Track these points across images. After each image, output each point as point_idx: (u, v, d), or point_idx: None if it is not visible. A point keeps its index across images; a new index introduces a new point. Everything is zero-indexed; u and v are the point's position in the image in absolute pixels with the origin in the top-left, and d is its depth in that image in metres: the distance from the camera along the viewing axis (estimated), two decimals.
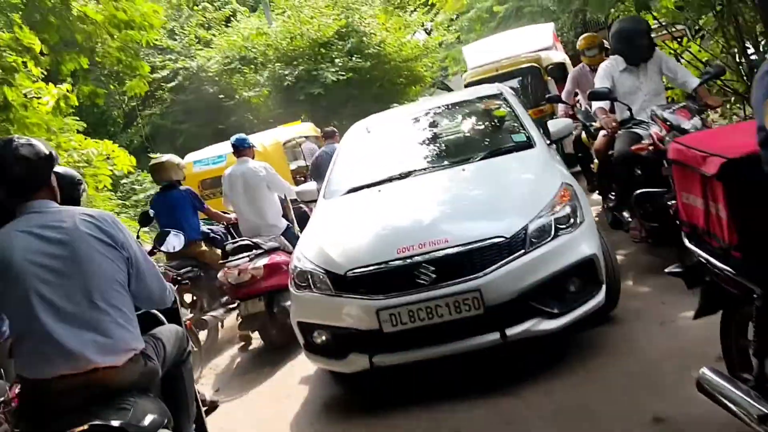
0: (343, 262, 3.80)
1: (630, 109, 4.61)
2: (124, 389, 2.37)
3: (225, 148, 8.16)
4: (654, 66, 4.86)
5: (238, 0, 18.12)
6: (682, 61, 7.78)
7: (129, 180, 13.77)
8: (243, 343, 5.71)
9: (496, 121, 5.13)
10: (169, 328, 2.96)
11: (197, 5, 16.44)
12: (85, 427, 2.19)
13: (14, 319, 2.45)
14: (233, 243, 5.49)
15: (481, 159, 4.52)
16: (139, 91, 7.46)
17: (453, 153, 4.87)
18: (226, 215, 6.42)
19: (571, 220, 3.76)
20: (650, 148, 4.34)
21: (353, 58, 14.87)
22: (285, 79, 14.57)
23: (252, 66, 15.68)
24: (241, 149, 6.23)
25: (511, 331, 3.54)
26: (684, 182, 2.18)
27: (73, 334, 2.31)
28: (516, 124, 4.86)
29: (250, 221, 6.02)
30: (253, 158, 6.33)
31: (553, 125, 4.78)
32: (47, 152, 2.48)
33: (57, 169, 3.04)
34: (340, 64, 14.53)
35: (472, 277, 3.51)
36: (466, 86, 9.47)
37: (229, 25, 16.80)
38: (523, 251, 3.58)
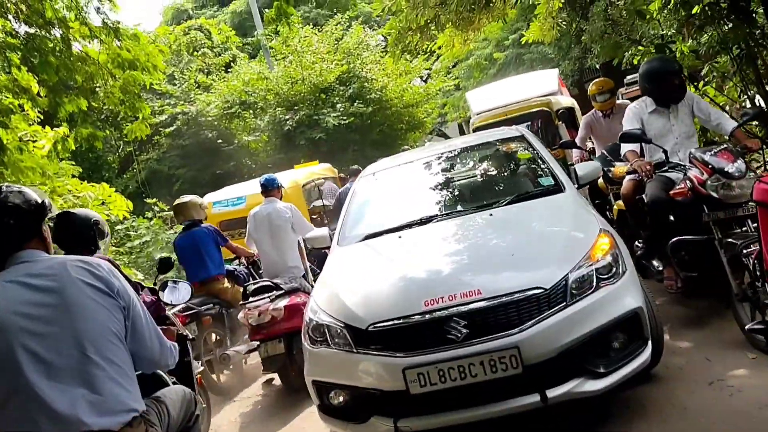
0: (365, 316, 3.47)
1: (665, 152, 4.35)
2: None
3: (244, 189, 8.51)
4: (685, 107, 4.64)
5: (238, 46, 18.11)
6: None
7: (124, 226, 13.45)
8: (267, 377, 5.84)
9: (520, 164, 4.87)
10: (176, 390, 2.72)
11: (197, 51, 16.40)
12: None
13: None
14: (254, 284, 5.46)
15: (508, 203, 4.23)
16: (140, 134, 7.22)
17: (476, 197, 4.60)
18: (247, 250, 6.48)
19: (613, 270, 3.46)
20: (689, 193, 4.07)
21: (355, 104, 14.76)
22: (285, 124, 14.42)
23: (252, 110, 15.54)
24: (270, 189, 6.30)
25: (552, 393, 3.19)
26: None
27: (63, 393, 2.07)
28: (542, 167, 4.60)
29: (272, 262, 6.05)
30: (281, 199, 6.39)
31: (581, 168, 4.51)
32: (39, 201, 2.34)
33: (74, 210, 3.24)
34: (341, 109, 14.42)
35: (508, 332, 3.19)
36: (474, 130, 9.28)
37: (229, 71, 16.75)
38: (564, 304, 3.27)
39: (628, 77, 20.33)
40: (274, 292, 5.31)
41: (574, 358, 3.24)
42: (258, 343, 5.22)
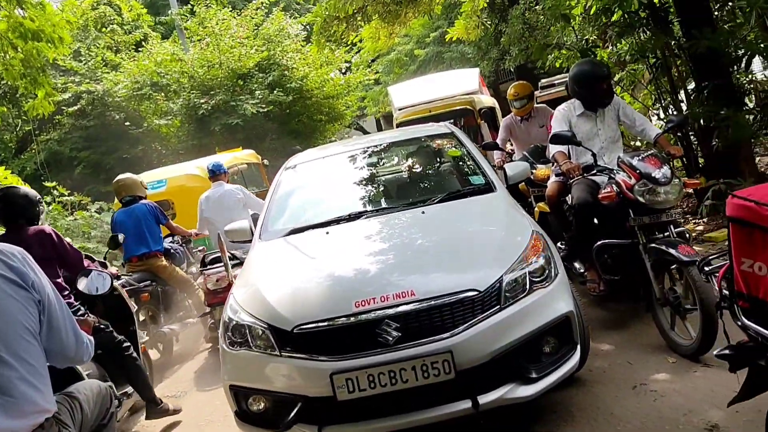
0: (291, 316, 3.25)
1: (594, 155, 4.38)
2: None
3: (165, 173, 8.51)
4: (612, 112, 4.69)
5: (150, 25, 17.21)
6: None
7: None
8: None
9: (450, 161, 4.77)
10: (90, 384, 2.58)
11: (105, 27, 15.46)
12: None
13: None
14: (212, 253, 5.72)
15: (439, 202, 4.12)
16: (43, 111, 6.62)
17: (406, 195, 4.48)
18: (184, 230, 6.61)
19: (546, 273, 3.41)
20: (617, 197, 4.10)
21: (274, 92, 14.34)
22: (200, 108, 13.80)
23: (164, 93, 14.79)
24: (218, 174, 6.99)
25: (484, 399, 3.10)
26: (748, 246, 1.83)
27: None
28: (472, 166, 4.53)
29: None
30: (227, 182, 6.99)
31: (511, 168, 4.46)
32: None
33: (18, 188, 3.35)
34: (260, 96, 13.95)
35: (441, 336, 3.07)
36: (397, 126, 9.20)
37: (139, 50, 15.88)
38: (498, 307, 3.18)
39: (543, 81, 20.97)
40: (230, 261, 5.25)
41: (506, 363, 3.16)
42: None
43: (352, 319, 3.14)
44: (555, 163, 4.74)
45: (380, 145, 5.16)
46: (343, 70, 20.18)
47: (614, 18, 7.65)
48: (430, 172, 4.89)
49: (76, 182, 14.30)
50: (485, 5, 9.84)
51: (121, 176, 6.40)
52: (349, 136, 21.69)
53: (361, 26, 9.18)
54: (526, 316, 3.22)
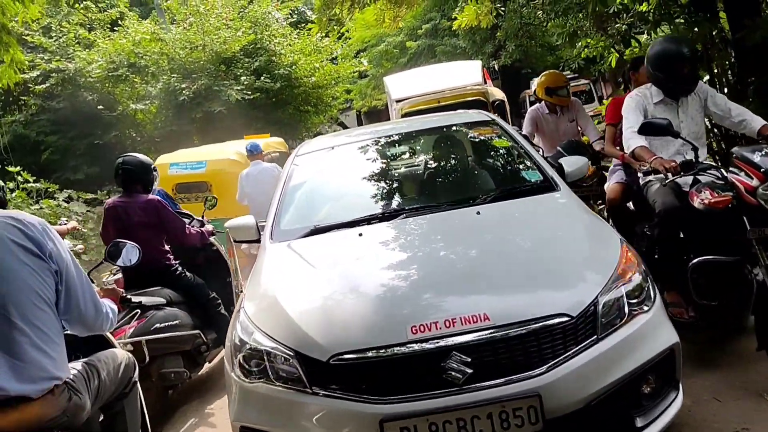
0: (325, 343, 2.52)
1: (695, 150, 3.55)
2: (40, 428, 2.09)
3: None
4: (696, 101, 3.95)
5: (126, 5, 16.15)
6: None
7: None
8: None
9: (495, 152, 4.05)
10: (113, 354, 2.61)
11: (78, 3, 14.44)
12: None
13: None
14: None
15: (492, 200, 3.40)
16: (8, 81, 5.75)
17: (450, 190, 3.77)
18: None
19: (644, 294, 2.72)
20: (733, 202, 3.32)
21: (261, 78, 13.45)
22: (181, 93, 12.85)
23: (142, 75, 13.81)
24: (255, 153, 7.56)
25: None
26: None
27: None
28: (525, 159, 3.81)
29: (263, 213, 6.24)
30: (263, 161, 7.52)
31: (569, 164, 3.74)
32: None
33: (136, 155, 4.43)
34: (245, 82, 13.06)
35: (527, 375, 2.37)
36: (403, 116, 8.47)
37: (115, 29, 14.85)
38: (594, 338, 2.49)
39: (536, 79, 20.42)
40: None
41: (605, 409, 2.46)
42: None
43: (409, 349, 2.41)
44: (634, 161, 3.97)
45: (407, 132, 4.42)
46: (330, 60, 19.30)
47: (643, 7, 7.04)
48: (472, 164, 4.15)
49: (42, 168, 13.28)
50: None
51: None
52: (332, 130, 20.89)
53: (368, 4, 8.40)
54: (628, 350, 2.54)
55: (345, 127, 26.26)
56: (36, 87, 13.47)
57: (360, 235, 3.19)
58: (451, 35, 18.93)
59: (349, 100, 20.95)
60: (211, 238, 5.07)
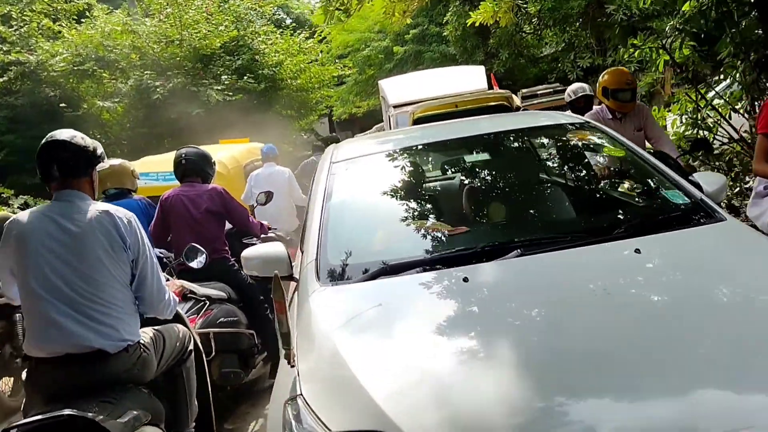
0: None
1: None
2: (115, 379, 2.56)
3: (213, 153, 7.02)
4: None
5: None
6: None
7: None
8: None
9: (614, 165, 3.09)
10: (174, 326, 3.04)
11: None
12: (63, 414, 2.26)
13: (22, 294, 2.61)
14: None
15: (640, 231, 2.42)
16: None
17: (574, 215, 2.76)
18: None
19: None
20: None
21: (245, 78, 12.32)
22: (155, 92, 11.64)
23: (111, 70, 12.55)
24: (271, 156, 7.46)
25: None
26: None
27: (72, 317, 2.51)
28: (654, 175, 2.85)
29: (269, 216, 6.43)
30: (277, 164, 7.46)
31: (707, 181, 2.81)
32: (93, 147, 2.76)
33: (197, 147, 4.80)
34: (226, 82, 11.92)
35: None
36: (415, 121, 7.50)
37: (82, 21, 13.58)
38: None
39: (524, 90, 19.72)
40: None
41: None
42: None
43: None
44: None
45: (474, 136, 3.41)
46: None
47: (685, 7, 6.24)
48: (585, 179, 3.14)
49: None
50: None
51: (110, 161, 4.84)
52: (307, 138, 19.80)
53: None
54: None
55: (317, 135, 25.02)
56: None
57: (465, 280, 2.18)
58: (439, 41, 18.13)
59: (329, 106, 19.88)
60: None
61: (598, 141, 3.12)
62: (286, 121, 14.36)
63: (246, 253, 2.89)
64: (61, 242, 2.55)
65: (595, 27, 15.14)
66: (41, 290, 2.50)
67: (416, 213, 2.85)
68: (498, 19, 8.29)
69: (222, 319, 4.07)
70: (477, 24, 8.60)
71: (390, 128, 10.53)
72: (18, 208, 9.61)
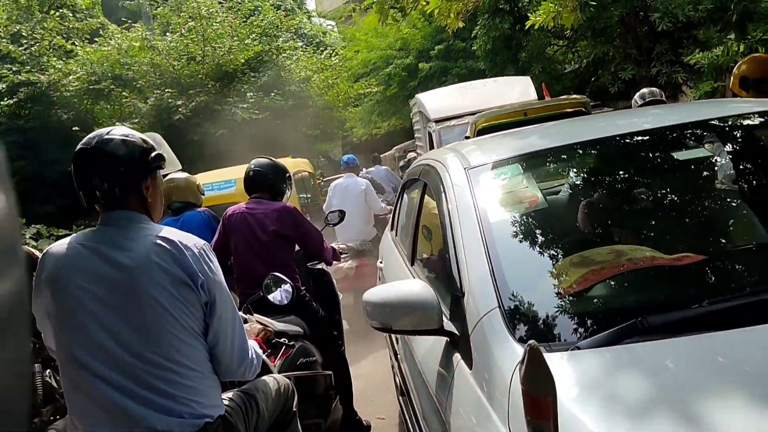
0: None
1: None
2: None
3: (233, 173, 7.56)
4: None
5: (106, 14, 14.20)
6: None
7: None
8: None
9: None
10: (271, 381, 2.41)
11: (54, 10, 12.48)
12: None
13: (60, 357, 1.96)
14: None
15: None
16: None
17: None
18: None
19: None
20: None
21: (271, 95, 11.53)
22: (177, 112, 10.85)
23: (129, 90, 11.77)
24: (352, 166, 7.79)
25: None
26: None
27: (127, 391, 1.86)
28: None
29: (348, 224, 6.13)
30: (357, 174, 7.85)
31: None
32: (144, 147, 2.03)
33: (269, 159, 4.15)
34: (251, 99, 11.13)
35: None
36: (479, 132, 6.69)
37: (95, 40, 12.87)
38: None
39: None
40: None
41: None
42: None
43: None
44: None
45: (675, 127, 2.51)
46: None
47: None
48: None
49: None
50: None
51: (174, 175, 4.98)
52: (322, 161, 19.00)
53: None
54: None
55: (330, 159, 23.93)
56: (1, 102, 11.37)
57: (714, 351, 1.29)
58: (466, 57, 17.37)
59: (351, 127, 19.10)
60: (328, 267, 4.47)
61: None
62: (311, 142, 13.57)
63: (372, 296, 2.01)
64: (110, 283, 1.89)
65: (636, 37, 14.46)
66: (84, 354, 1.86)
67: (614, 234, 1.98)
68: (560, 21, 7.51)
69: (301, 360, 3.39)
70: (536, 26, 7.84)
71: (429, 145, 9.80)
72: (30, 238, 8.82)
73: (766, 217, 2.17)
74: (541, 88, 10.32)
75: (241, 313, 2.50)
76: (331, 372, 3.65)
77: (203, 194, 5.12)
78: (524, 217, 2.14)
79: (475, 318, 1.76)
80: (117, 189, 1.99)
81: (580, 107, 6.83)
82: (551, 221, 2.24)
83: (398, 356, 3.20)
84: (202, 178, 7.19)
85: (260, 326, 2.55)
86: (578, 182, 2.38)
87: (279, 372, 3.12)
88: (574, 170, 2.43)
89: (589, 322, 1.61)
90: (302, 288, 3.82)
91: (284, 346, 3.17)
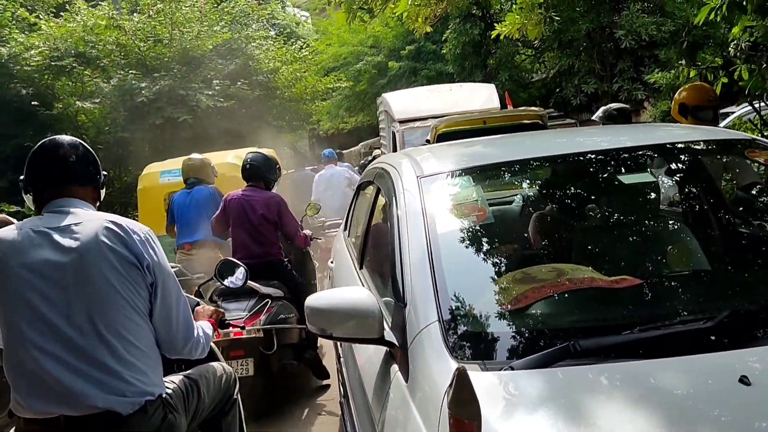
0: None
1: None
2: None
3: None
4: None
5: None
6: None
7: None
8: None
9: None
10: (213, 367, 2.45)
11: None
12: None
13: (4, 335, 1.99)
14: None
15: None
16: None
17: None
18: None
19: None
20: None
21: (238, 83, 11.40)
22: (140, 94, 10.65)
23: (92, 68, 11.49)
24: (331, 159, 8.84)
25: None
26: None
27: (70, 367, 1.91)
28: None
29: (336, 207, 7.41)
30: (335, 165, 8.73)
31: None
32: (96, 161, 2.23)
33: (261, 152, 5.09)
34: (217, 87, 10.99)
35: None
36: (439, 137, 6.73)
37: (61, 15, 12.53)
38: None
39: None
40: (249, 301, 4.32)
41: None
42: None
43: None
44: None
45: (626, 149, 2.56)
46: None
47: (735, 31, 5.56)
48: None
49: None
50: None
51: (192, 155, 6.02)
52: (289, 152, 18.86)
53: None
54: None
55: (296, 150, 23.89)
56: None
57: (744, 381, 1.35)
58: (435, 59, 17.45)
59: (318, 120, 19.01)
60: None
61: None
62: (277, 133, 13.45)
63: (314, 302, 2.02)
64: (57, 264, 1.96)
65: (600, 52, 14.73)
66: (29, 330, 1.91)
67: (558, 252, 2.03)
68: (525, 33, 7.61)
69: (281, 316, 4.34)
70: (502, 36, 7.91)
71: (393, 145, 9.85)
72: None
73: (705, 243, 2.26)
74: (504, 97, 10.46)
75: (192, 297, 2.76)
76: (305, 326, 4.01)
77: (216, 175, 5.93)
78: (471, 230, 2.19)
79: (414, 330, 1.78)
80: (75, 179, 2.14)
81: (537, 119, 6.93)
82: (498, 235, 2.29)
83: (341, 359, 3.22)
84: (165, 166, 7.42)
85: (211, 308, 2.62)
86: (527, 198, 2.44)
87: (263, 325, 4.08)
88: (524, 186, 2.49)
89: (525, 341, 1.65)
90: (286, 259, 4.87)
91: (268, 305, 4.24)
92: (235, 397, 2.55)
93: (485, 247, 2.15)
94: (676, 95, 4.79)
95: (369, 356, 2.17)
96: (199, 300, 2.88)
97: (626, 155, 2.52)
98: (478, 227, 2.19)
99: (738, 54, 5.57)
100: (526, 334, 1.68)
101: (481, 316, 1.75)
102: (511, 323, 1.74)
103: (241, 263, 3.69)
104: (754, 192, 2.55)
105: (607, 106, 5.88)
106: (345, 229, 4.31)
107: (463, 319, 1.75)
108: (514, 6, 7.99)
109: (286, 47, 13.85)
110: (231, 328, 3.49)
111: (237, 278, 3.60)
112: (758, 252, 2.08)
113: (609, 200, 2.44)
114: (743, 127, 6.24)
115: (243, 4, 12.83)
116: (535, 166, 2.52)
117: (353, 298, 1.97)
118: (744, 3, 4.59)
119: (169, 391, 2.12)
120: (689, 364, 1.47)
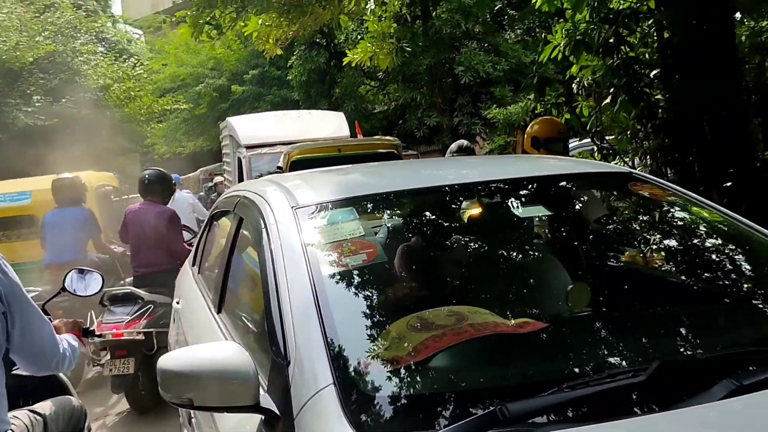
0: None
1: None
2: None
3: (30, 184, 7.34)
4: None
5: None
6: None
7: None
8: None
9: (700, 238, 2.26)
10: (62, 401, 2.41)
11: None
12: None
13: None
14: (116, 289, 4.95)
15: None
16: None
17: (674, 331, 1.83)
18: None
19: None
20: None
21: (63, 101, 10.28)
22: None
23: None
24: (177, 183, 8.55)
25: None
26: None
27: None
28: None
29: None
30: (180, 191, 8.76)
31: None
32: None
33: (159, 170, 5.54)
34: (38, 103, 9.84)
35: None
36: (292, 164, 6.40)
37: None
38: None
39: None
40: (134, 306, 4.70)
41: None
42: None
43: None
44: None
45: (489, 184, 2.43)
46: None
47: (573, 69, 5.96)
48: (673, 263, 2.24)
49: None
50: (394, 29, 7.62)
51: (62, 175, 6.07)
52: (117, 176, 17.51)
53: (259, 11, 6.31)
54: None
55: (126, 175, 22.27)
56: None
57: None
58: (280, 86, 17.18)
59: (152, 143, 17.81)
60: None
61: (665, 198, 2.32)
62: (107, 156, 12.33)
63: (169, 363, 1.62)
64: None
65: (441, 87, 15.34)
66: None
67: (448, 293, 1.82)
68: (376, 62, 7.58)
69: (163, 321, 4.52)
70: (353, 64, 7.82)
71: (238, 171, 9.40)
72: None
73: (589, 279, 2.17)
74: (353, 126, 10.42)
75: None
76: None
77: (86, 191, 6.13)
78: (363, 269, 1.90)
79: (303, 396, 1.46)
80: None
81: (393, 149, 6.90)
82: (392, 276, 2.03)
83: (192, 420, 2.72)
84: None
85: (70, 321, 2.52)
86: (417, 230, 2.22)
87: (143, 328, 4.49)
88: (415, 218, 2.27)
89: (443, 406, 1.39)
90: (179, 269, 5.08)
91: (150, 310, 4.62)
92: (85, 431, 2.51)
93: (379, 289, 1.89)
94: (528, 129, 4.92)
95: (238, 423, 1.80)
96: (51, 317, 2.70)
97: (524, 186, 2.41)
98: (370, 266, 1.92)
99: (580, 91, 5.90)
100: (446, 396, 1.43)
101: (387, 376, 1.48)
102: (425, 384, 1.49)
103: (96, 271, 3.56)
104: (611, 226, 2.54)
105: (460, 141, 5.96)
106: (194, 264, 3.82)
107: (365, 379, 1.47)
108: (365, 36, 7.98)
109: (117, 64, 12.86)
110: (112, 329, 4.41)
111: (88, 286, 3.40)
112: (651, 290, 2.02)
113: (505, 234, 2.30)
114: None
115: (70, 15, 11.71)
116: (430, 196, 2.32)
117: (220, 357, 1.58)
118: (587, 41, 4.82)
119: (14, 426, 2.00)
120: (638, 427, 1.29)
